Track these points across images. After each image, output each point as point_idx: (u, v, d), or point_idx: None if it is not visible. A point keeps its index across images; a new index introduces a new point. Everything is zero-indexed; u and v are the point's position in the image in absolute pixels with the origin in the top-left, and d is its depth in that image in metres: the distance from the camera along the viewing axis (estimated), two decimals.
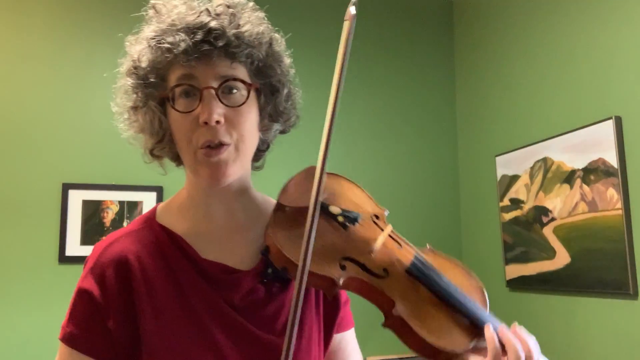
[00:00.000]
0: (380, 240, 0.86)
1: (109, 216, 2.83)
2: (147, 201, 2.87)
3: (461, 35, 3.54)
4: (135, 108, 0.89)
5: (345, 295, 1.04)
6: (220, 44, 0.83)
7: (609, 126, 2.36)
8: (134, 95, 0.88)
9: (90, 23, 2.93)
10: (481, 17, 3.35)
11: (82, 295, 0.88)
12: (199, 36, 0.82)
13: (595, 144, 2.43)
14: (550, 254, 2.66)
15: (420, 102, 3.46)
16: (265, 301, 0.91)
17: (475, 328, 0.82)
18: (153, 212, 0.97)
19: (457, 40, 3.58)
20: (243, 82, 0.87)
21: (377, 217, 0.91)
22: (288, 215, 0.87)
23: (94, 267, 0.89)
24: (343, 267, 0.81)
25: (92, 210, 2.81)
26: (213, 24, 0.83)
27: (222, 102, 0.84)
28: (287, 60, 0.94)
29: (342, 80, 0.76)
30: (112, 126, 0.98)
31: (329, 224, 0.86)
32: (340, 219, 0.87)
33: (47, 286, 2.67)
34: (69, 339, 0.87)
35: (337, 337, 1.03)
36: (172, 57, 0.83)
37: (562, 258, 2.59)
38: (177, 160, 0.95)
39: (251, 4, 0.91)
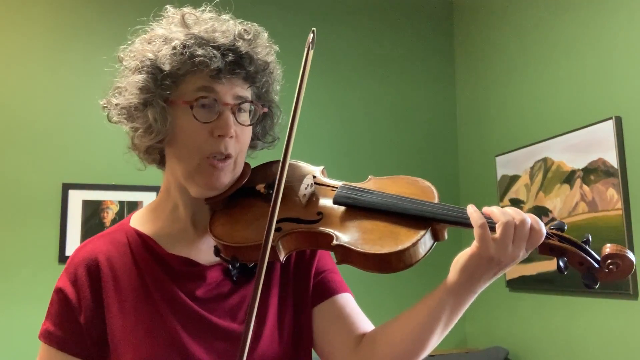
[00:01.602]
0: (304, 190, 0.93)
1: (109, 216, 2.83)
2: (147, 201, 2.87)
3: (461, 35, 3.54)
4: (144, 105, 0.91)
5: (323, 266, 1.03)
6: (250, 69, 0.92)
7: (609, 126, 2.36)
8: (147, 94, 0.90)
9: (91, 24, 2.93)
10: (481, 17, 3.35)
11: (57, 293, 0.95)
12: (231, 58, 0.90)
13: (595, 144, 2.43)
14: None
15: (420, 102, 3.46)
16: (229, 293, 0.96)
17: (420, 220, 0.86)
18: (128, 218, 1.04)
19: (457, 40, 3.58)
20: (256, 105, 0.96)
21: (314, 177, 0.98)
22: (222, 210, 0.96)
23: (68, 267, 0.96)
24: (278, 229, 0.89)
25: (92, 210, 2.81)
26: (244, 49, 0.92)
27: (235, 119, 0.92)
28: (278, 88, 1.03)
29: (300, 101, 0.83)
30: (112, 126, 0.98)
31: (258, 200, 0.96)
32: (263, 190, 0.96)
33: (47, 286, 2.65)
34: (45, 336, 0.93)
35: (323, 306, 1.00)
36: (206, 70, 0.89)
37: None
38: (158, 162, 1.00)
39: (265, 33, 0.98)
